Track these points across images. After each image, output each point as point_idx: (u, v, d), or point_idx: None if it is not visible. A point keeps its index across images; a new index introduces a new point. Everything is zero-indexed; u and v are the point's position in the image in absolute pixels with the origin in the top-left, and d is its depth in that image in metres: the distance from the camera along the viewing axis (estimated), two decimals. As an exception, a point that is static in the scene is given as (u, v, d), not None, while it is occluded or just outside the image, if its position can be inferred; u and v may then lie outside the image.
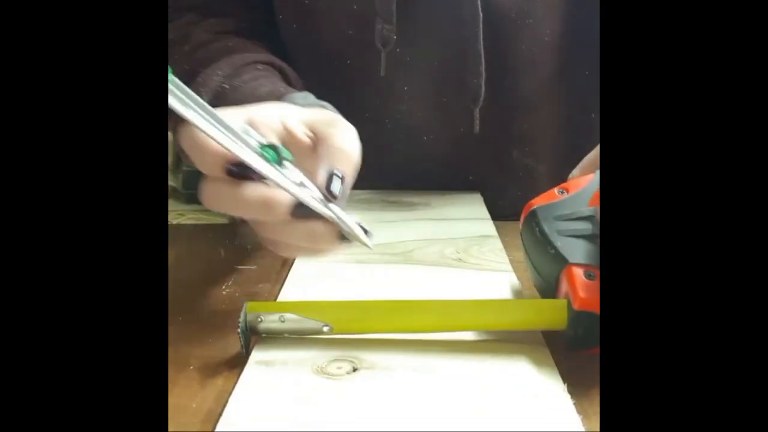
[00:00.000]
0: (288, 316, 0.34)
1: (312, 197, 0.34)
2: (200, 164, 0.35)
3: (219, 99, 0.52)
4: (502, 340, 0.34)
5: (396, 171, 0.64)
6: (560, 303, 0.34)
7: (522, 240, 0.39)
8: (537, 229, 0.37)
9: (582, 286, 0.33)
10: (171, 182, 0.71)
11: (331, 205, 0.34)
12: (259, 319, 0.34)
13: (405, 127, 0.62)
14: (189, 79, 0.55)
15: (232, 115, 0.35)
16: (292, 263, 0.46)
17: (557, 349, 0.34)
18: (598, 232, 0.35)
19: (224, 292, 0.43)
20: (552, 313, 0.34)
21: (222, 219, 0.61)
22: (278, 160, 0.34)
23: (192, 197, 0.69)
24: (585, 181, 0.38)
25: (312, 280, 0.43)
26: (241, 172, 0.33)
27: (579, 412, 0.28)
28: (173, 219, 0.63)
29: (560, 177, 0.42)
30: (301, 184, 0.34)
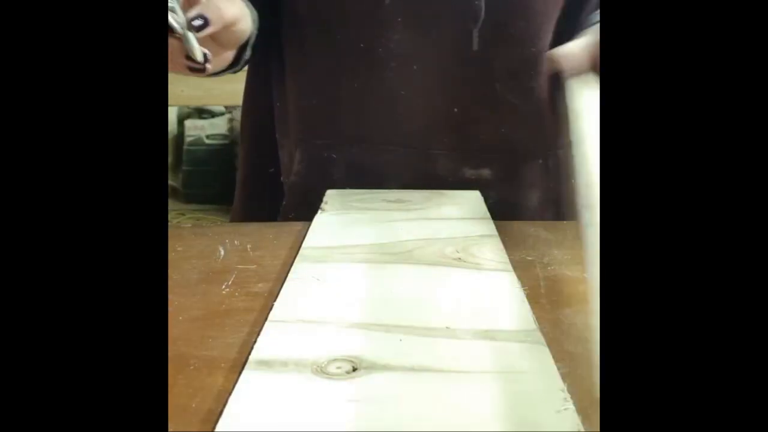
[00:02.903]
0: None
1: (177, 21, 0.48)
2: None
3: None
4: (502, 339, 0.34)
5: (384, 98, 0.66)
6: None
7: None
8: None
9: None
10: (171, 182, 0.72)
11: (189, 33, 0.47)
12: None
13: (395, 56, 0.64)
14: None
15: None
16: (292, 263, 0.46)
17: (557, 347, 0.34)
18: None
19: (224, 292, 0.43)
20: None
21: (221, 219, 0.61)
22: None
23: (192, 197, 0.69)
24: None
25: (312, 279, 0.43)
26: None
27: (579, 412, 0.28)
28: (173, 219, 0.63)
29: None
30: (172, 10, 0.48)
